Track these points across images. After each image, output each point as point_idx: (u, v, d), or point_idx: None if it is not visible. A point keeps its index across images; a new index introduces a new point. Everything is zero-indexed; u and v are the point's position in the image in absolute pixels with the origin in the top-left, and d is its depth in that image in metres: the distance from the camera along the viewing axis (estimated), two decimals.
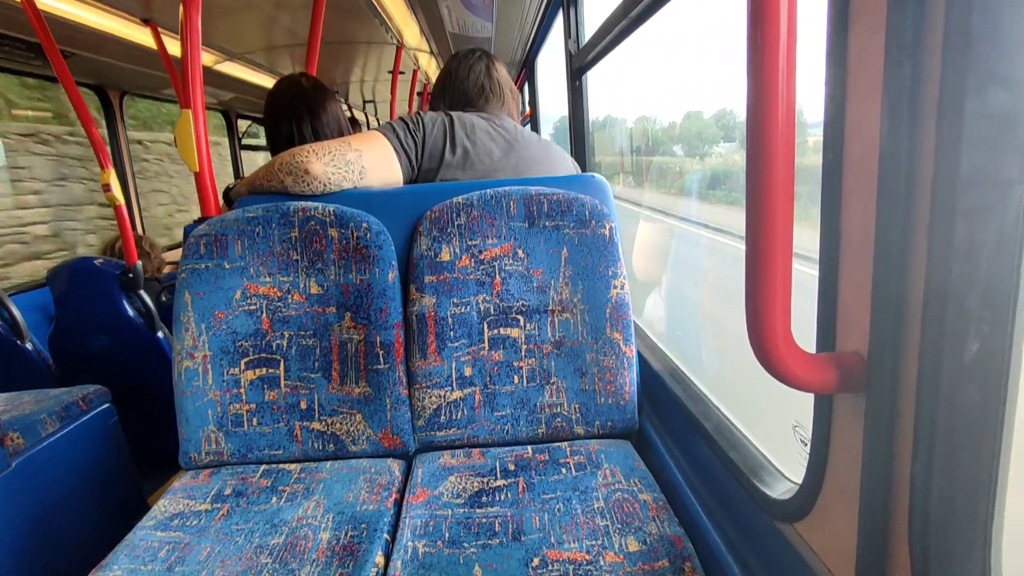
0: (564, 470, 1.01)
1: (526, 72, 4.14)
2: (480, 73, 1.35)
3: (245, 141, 5.10)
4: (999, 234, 0.40)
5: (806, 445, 0.62)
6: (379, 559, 0.85)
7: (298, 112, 1.45)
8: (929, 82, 0.42)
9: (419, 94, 4.91)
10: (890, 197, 0.46)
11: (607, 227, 1.09)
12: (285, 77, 1.52)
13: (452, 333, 1.10)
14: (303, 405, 1.10)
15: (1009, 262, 0.40)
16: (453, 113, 1.25)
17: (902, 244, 0.46)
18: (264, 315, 1.10)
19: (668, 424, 1.10)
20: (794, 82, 0.46)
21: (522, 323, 1.11)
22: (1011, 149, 0.39)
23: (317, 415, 1.10)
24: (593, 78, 2.08)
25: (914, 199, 0.45)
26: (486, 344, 1.11)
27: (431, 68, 4.35)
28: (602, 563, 0.79)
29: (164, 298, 2.19)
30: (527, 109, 4.43)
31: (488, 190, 1.12)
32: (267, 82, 3.79)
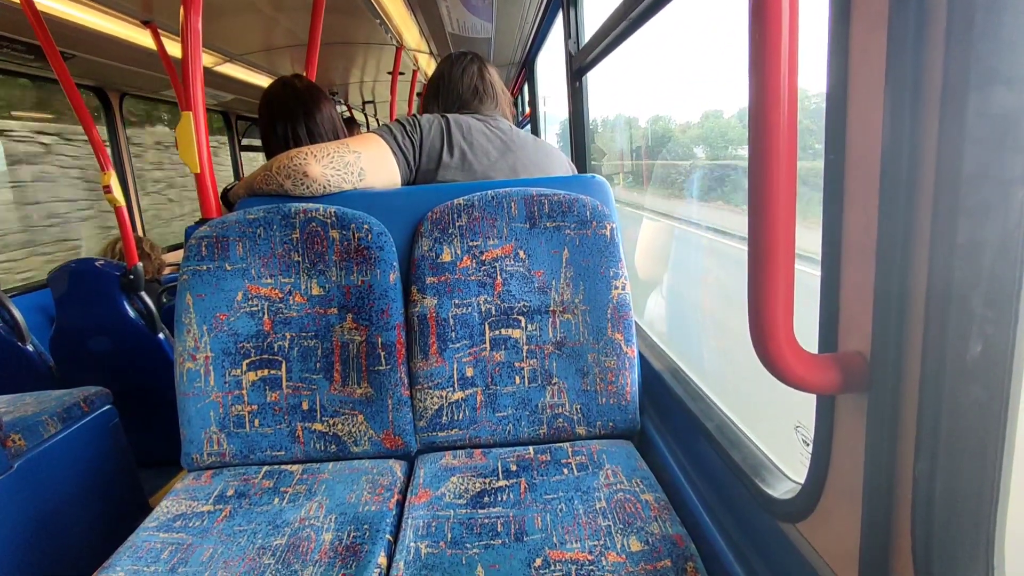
0: (566, 470, 1.01)
1: (526, 72, 4.14)
2: (473, 75, 1.35)
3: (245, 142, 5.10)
4: (1002, 233, 0.40)
5: (808, 445, 0.62)
6: (382, 560, 0.85)
7: (293, 113, 1.45)
8: (932, 80, 0.42)
9: (419, 95, 4.91)
10: (892, 196, 0.46)
11: (608, 228, 1.09)
12: (279, 79, 1.52)
13: (453, 334, 1.10)
14: (305, 406, 1.10)
15: (1012, 261, 0.40)
16: (449, 115, 1.26)
17: (904, 243, 0.46)
18: (266, 316, 1.10)
19: (670, 424, 1.09)
20: (796, 80, 0.46)
21: (523, 324, 1.11)
22: (1014, 148, 0.39)
23: (319, 416, 1.10)
24: (602, 75, 2.07)
25: (916, 198, 0.45)
26: (487, 345, 1.11)
27: (430, 69, 4.35)
28: (604, 563, 0.79)
29: (165, 299, 2.19)
30: (527, 110, 4.44)
31: (489, 191, 1.12)
32: (267, 83, 3.78)
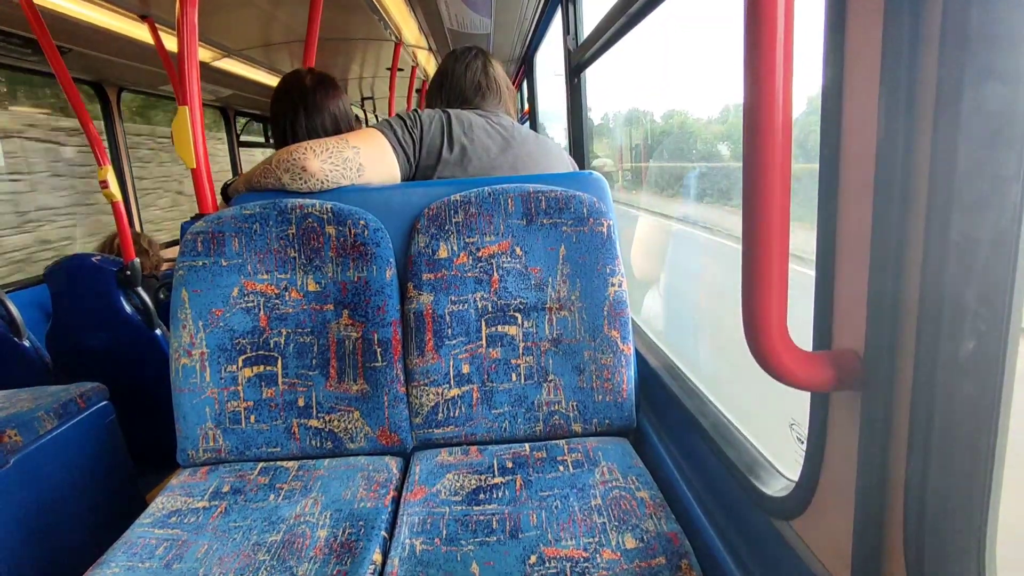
0: (562, 468, 1.01)
1: (525, 69, 4.13)
2: (477, 70, 1.35)
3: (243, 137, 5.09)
4: (996, 230, 0.40)
5: (802, 443, 0.62)
6: (377, 556, 0.85)
7: (294, 108, 1.44)
8: (927, 77, 0.42)
9: (417, 91, 4.90)
10: (887, 193, 0.46)
11: (605, 225, 1.09)
12: (292, 72, 1.51)
13: (450, 331, 1.10)
14: (301, 403, 1.09)
15: (1006, 258, 0.40)
16: (451, 110, 1.25)
17: (899, 241, 0.46)
18: (262, 312, 1.10)
19: (666, 422, 1.10)
20: (791, 79, 0.46)
21: (520, 321, 1.11)
22: (1008, 144, 0.39)
23: (315, 412, 1.10)
24: (616, 70, 2.04)
25: (911, 195, 0.44)
26: (484, 341, 1.10)
27: (429, 65, 4.33)
28: (599, 560, 0.79)
29: (162, 295, 2.18)
30: (526, 106, 4.43)
31: (486, 187, 1.11)
32: (265, 78, 3.78)
